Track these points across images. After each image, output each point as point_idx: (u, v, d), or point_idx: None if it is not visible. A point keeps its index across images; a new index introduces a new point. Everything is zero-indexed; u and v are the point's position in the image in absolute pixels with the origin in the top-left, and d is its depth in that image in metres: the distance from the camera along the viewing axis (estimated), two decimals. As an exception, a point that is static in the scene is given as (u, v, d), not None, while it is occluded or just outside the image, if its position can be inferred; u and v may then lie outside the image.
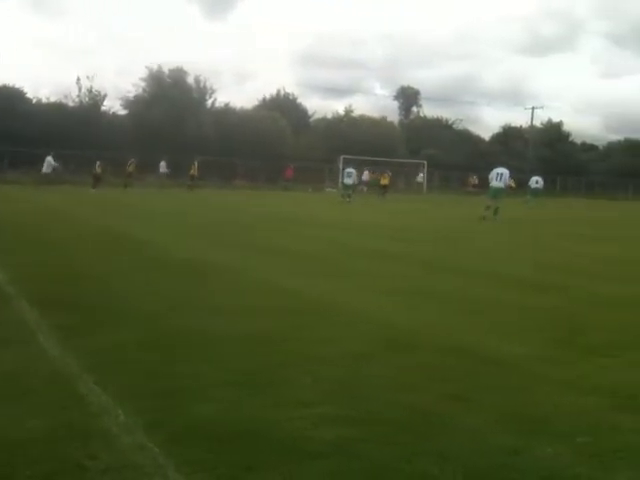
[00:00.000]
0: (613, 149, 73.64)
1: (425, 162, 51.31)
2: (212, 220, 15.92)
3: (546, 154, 60.80)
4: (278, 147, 49.32)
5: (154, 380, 3.51)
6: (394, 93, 76.24)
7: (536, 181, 34.81)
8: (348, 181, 30.08)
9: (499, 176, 19.63)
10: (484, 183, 27.81)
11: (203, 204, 23.33)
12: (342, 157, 45.45)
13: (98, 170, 32.44)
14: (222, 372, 3.67)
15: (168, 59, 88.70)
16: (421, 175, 49.41)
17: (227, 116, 51.47)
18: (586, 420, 3.11)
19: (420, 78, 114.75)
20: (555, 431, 2.96)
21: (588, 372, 3.91)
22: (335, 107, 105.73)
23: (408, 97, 74.48)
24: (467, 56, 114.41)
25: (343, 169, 39.55)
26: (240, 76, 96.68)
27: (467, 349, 4.32)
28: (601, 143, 77.74)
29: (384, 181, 37.08)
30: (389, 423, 2.99)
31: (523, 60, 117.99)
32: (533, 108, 62.85)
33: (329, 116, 62.22)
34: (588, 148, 74.20)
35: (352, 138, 51.83)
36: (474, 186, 48.47)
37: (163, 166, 38.49)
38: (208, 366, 3.78)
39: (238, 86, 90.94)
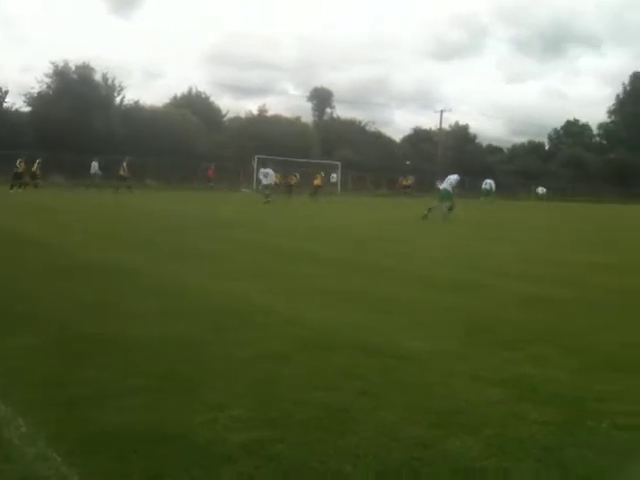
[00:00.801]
0: (517, 151, 77.07)
1: (339, 163, 51.90)
2: (127, 221, 15.48)
3: (454, 156, 62.80)
4: (190, 146, 48.59)
5: (60, 388, 3.36)
6: (307, 94, 76.78)
7: (485, 183, 36.95)
8: (265, 181, 30.04)
9: (447, 180, 21.08)
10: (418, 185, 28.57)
11: (114, 205, 22.64)
12: (257, 157, 45.29)
13: (20, 168, 30.75)
14: (135, 377, 3.55)
15: (74, 56, 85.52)
16: (334, 175, 49.96)
17: (136, 113, 50.23)
18: (493, 412, 3.21)
19: (333, 80, 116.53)
20: (464, 424, 3.03)
21: (495, 366, 4.03)
22: (248, 107, 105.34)
23: (322, 98, 75.16)
24: (379, 60, 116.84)
25: (259, 169, 39.49)
26: (150, 74, 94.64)
27: (380, 347, 4.37)
28: (506, 145, 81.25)
29: (317, 182, 37.28)
30: (302, 423, 2.98)
31: (432, 64, 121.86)
32: (442, 111, 64.81)
33: (242, 115, 61.90)
34: (494, 150, 77.29)
35: (266, 138, 51.79)
36: (405, 187, 49.44)
37: (95, 166, 36.88)
38: (120, 372, 3.65)
39: (148, 84, 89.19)
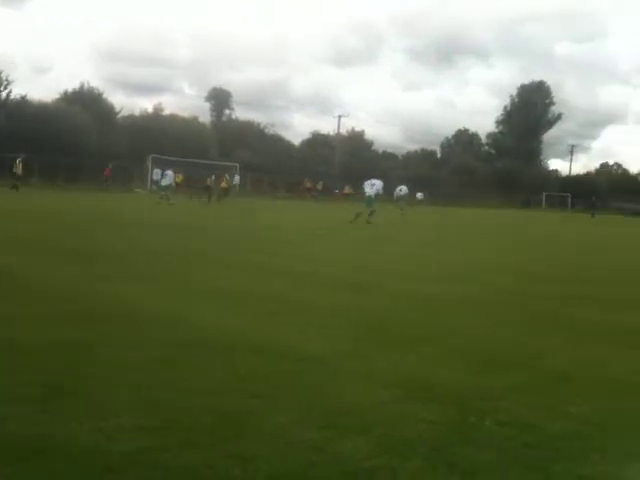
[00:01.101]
0: (411, 158, 79.47)
1: (237, 164, 51.51)
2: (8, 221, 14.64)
3: (351, 161, 63.91)
4: (80, 143, 46.63)
5: None
6: (204, 94, 75.81)
7: (400, 189, 38.03)
8: (165, 182, 29.45)
9: (372, 186, 22.30)
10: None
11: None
12: (151, 156, 44.17)
13: None
14: (16, 387, 3.33)
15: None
16: (237, 177, 49.40)
17: (23, 109, 47.70)
18: (384, 412, 3.24)
19: (231, 80, 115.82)
20: (356, 425, 3.04)
21: (387, 366, 4.09)
22: (142, 105, 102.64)
23: (220, 99, 74.41)
24: (277, 62, 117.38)
25: (153, 169, 38.53)
26: (38, 68, 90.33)
27: (273, 349, 4.34)
28: (400, 152, 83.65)
29: (223, 184, 36.77)
30: (190, 429, 2.89)
31: (330, 70, 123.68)
32: (340, 117, 65.90)
33: (137, 113, 60.17)
34: (389, 157, 79.30)
35: (162, 137, 50.59)
36: (310, 190, 49.74)
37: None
38: (0, 380, 3.42)
39: (36, 78, 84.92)
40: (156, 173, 40.93)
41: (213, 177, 37.09)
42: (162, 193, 28.41)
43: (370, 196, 22.02)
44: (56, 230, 12.86)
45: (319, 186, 50.55)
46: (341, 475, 2.54)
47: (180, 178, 34.70)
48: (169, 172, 30.20)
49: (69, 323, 4.82)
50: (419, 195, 53.76)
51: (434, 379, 3.86)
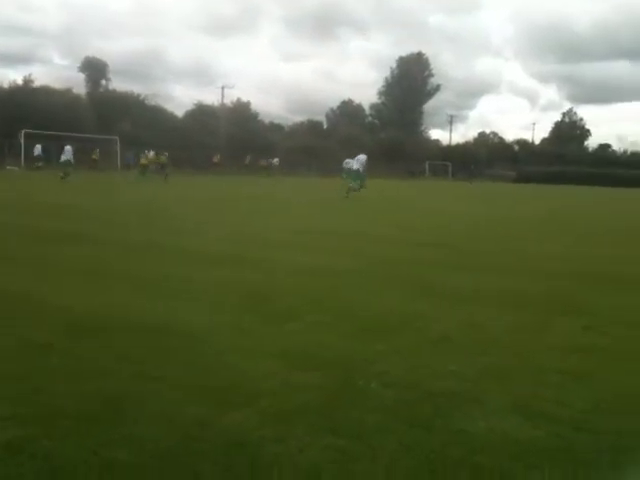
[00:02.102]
0: (297, 129, 79.56)
1: (117, 137, 49.47)
2: None
3: (237, 132, 63.10)
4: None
5: None
6: (77, 64, 71.97)
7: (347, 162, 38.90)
8: (64, 157, 28.21)
9: (357, 161, 23.52)
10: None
11: None
12: (24, 131, 41.58)
13: None
14: None
15: None
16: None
17: None
18: (269, 383, 3.27)
19: (104, 50, 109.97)
20: (242, 397, 3.06)
21: (271, 337, 4.13)
22: (10, 76, 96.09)
23: (95, 69, 70.83)
24: (152, 32, 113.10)
25: (35, 145, 36.42)
26: None
27: (154, 327, 4.25)
28: (287, 123, 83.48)
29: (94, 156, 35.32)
30: (72, 416, 2.79)
31: (207, 39, 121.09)
32: (223, 87, 64.85)
33: (5, 86, 56.30)
34: (275, 128, 78.99)
35: (34, 111, 47.58)
36: (216, 164, 48.89)
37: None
38: None
39: None
40: (37, 149, 38.68)
41: (98, 150, 35.52)
42: (66, 170, 27.00)
43: (358, 170, 23.17)
44: None
45: (217, 159, 50.15)
46: (228, 447, 2.54)
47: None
48: (68, 147, 28.75)
49: None
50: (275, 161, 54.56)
51: (317, 347, 3.94)
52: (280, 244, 9.11)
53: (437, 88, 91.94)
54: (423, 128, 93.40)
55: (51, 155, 38.20)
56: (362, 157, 23.77)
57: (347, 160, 25.64)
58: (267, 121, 78.00)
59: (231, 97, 72.26)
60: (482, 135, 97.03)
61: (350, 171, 24.35)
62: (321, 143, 72.06)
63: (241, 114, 69.43)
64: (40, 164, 37.80)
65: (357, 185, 22.60)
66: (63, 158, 28.40)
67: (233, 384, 3.24)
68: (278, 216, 14.55)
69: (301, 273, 6.67)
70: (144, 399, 2.99)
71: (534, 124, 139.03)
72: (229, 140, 59.18)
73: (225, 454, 2.49)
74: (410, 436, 2.72)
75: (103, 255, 7.47)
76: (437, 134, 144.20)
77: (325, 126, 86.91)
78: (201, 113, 67.59)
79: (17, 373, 3.30)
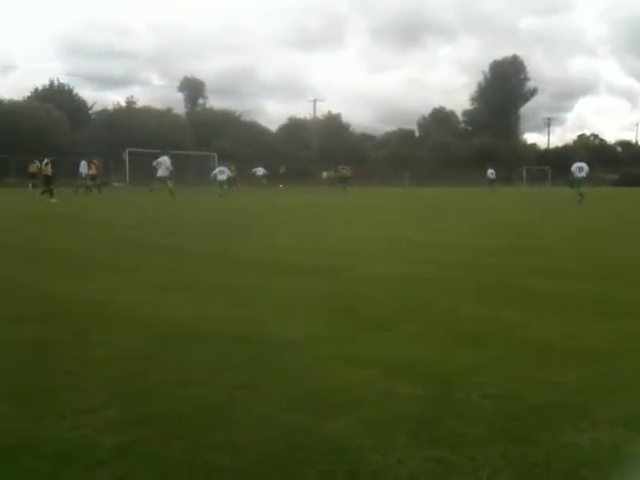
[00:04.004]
0: (389, 139, 79.44)
1: (215, 154, 51.17)
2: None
3: (329, 144, 63.77)
4: (55, 141, 46.06)
5: None
6: (175, 84, 75.07)
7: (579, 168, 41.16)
8: (222, 177, 30.60)
9: (580, 169, 24.55)
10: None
11: None
12: (127, 150, 43.78)
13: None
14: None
15: None
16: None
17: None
18: (368, 392, 3.26)
19: (198, 69, 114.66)
20: (340, 406, 3.06)
21: (366, 347, 4.11)
22: (111, 98, 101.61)
23: (193, 89, 73.67)
24: (240, 48, 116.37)
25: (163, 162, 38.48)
26: (3, 67, 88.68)
27: (250, 337, 4.32)
28: (377, 133, 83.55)
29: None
30: (176, 420, 2.89)
31: (296, 54, 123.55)
32: (315, 100, 65.77)
33: (110, 108, 59.51)
34: (367, 138, 79.23)
35: (136, 130, 50.02)
36: (328, 179, 50.03)
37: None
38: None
39: (2, 78, 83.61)
40: (158, 163, 40.95)
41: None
42: (223, 187, 28.96)
43: (582, 178, 24.14)
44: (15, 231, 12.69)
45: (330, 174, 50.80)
46: (328, 455, 2.56)
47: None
48: (224, 169, 31.06)
49: (34, 322, 4.72)
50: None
51: (414, 357, 3.89)
52: (364, 253, 9.11)
53: (534, 91, 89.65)
54: (519, 133, 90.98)
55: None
56: (584, 165, 24.46)
57: (575, 165, 25.37)
58: (358, 132, 78.34)
59: (322, 110, 72.97)
60: (582, 137, 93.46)
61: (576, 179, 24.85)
62: (413, 151, 71.52)
63: (333, 126, 70.11)
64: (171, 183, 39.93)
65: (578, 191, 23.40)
66: (220, 177, 30.58)
67: (331, 392, 3.25)
68: (361, 225, 14.56)
69: (389, 282, 6.64)
70: (245, 406, 3.06)
71: (638, 124, 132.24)
72: (322, 152, 59.82)
73: (326, 462, 2.51)
74: (512, 449, 2.64)
75: (195, 267, 7.72)
76: (533, 138, 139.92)
77: (417, 134, 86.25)
78: (294, 127, 68.83)
79: (123, 380, 3.45)
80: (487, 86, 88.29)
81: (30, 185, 34.68)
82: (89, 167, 32.67)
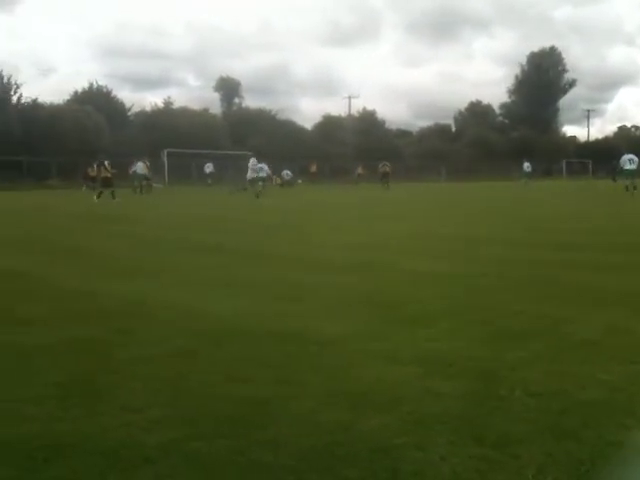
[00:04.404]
0: (424, 134, 78.78)
1: (251, 153, 51.39)
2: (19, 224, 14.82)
3: (365, 141, 63.53)
4: (95, 143, 46.91)
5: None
6: (211, 84, 75.75)
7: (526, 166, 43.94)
8: (261, 173, 30.17)
9: (631, 161, 24.70)
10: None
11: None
12: (166, 151, 44.32)
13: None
14: (34, 387, 3.37)
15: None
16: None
17: (35, 112, 48.00)
18: (409, 389, 3.25)
19: (232, 69, 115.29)
20: (381, 403, 3.06)
21: (406, 344, 4.10)
22: (148, 99, 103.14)
23: (229, 88, 74.19)
24: (274, 47, 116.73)
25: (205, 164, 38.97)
26: (41, 70, 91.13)
27: (292, 334, 4.35)
28: (413, 129, 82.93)
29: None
30: (220, 418, 2.92)
31: (329, 50, 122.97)
32: (350, 97, 65.56)
33: (148, 109, 60.33)
34: (402, 134, 78.72)
35: (174, 131, 50.63)
36: (359, 176, 49.82)
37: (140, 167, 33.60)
38: (18, 381, 3.47)
39: (41, 81, 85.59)
40: (208, 167, 41.97)
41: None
42: (259, 184, 28.72)
43: (634, 170, 24.16)
44: (57, 230, 12.94)
45: (360, 170, 50.45)
46: (369, 453, 2.55)
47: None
48: (263, 165, 30.83)
49: (80, 322, 4.82)
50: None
51: (456, 354, 3.86)
52: (397, 249, 9.08)
53: (572, 83, 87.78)
54: (558, 125, 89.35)
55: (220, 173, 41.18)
56: (634, 157, 24.41)
57: (625, 157, 25.30)
58: (394, 128, 77.93)
59: (357, 106, 72.75)
60: (623, 129, 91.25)
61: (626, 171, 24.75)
62: (450, 146, 70.84)
63: (368, 123, 69.85)
64: (211, 181, 40.60)
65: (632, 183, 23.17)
66: (261, 174, 30.02)
67: (373, 389, 3.25)
68: (403, 221, 14.48)
69: (424, 278, 6.60)
70: (286, 404, 3.08)
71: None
72: (357, 149, 59.68)
73: (368, 459, 2.50)
74: (557, 447, 2.60)
75: (230, 264, 7.78)
76: (572, 130, 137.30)
77: (454, 129, 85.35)
78: (329, 124, 68.76)
79: (166, 378, 3.50)
80: (524, 78, 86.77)
81: (84, 187, 35.21)
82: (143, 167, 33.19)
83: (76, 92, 57.55)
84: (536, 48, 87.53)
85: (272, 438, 2.69)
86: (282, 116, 67.95)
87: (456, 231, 11.89)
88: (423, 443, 2.63)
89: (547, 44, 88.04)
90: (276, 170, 42.77)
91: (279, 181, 41.96)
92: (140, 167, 32.98)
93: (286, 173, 44.97)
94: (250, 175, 28.53)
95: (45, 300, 5.71)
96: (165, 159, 44.48)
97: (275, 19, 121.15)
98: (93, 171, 31.32)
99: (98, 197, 22.97)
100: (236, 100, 74.69)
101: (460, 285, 6.23)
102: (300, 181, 46.73)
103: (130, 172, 33.52)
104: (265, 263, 7.95)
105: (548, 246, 9.25)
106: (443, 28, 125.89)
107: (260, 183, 28.83)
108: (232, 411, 3.00)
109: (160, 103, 62.54)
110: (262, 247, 9.73)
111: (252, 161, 29.13)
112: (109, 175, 24.09)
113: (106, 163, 24.74)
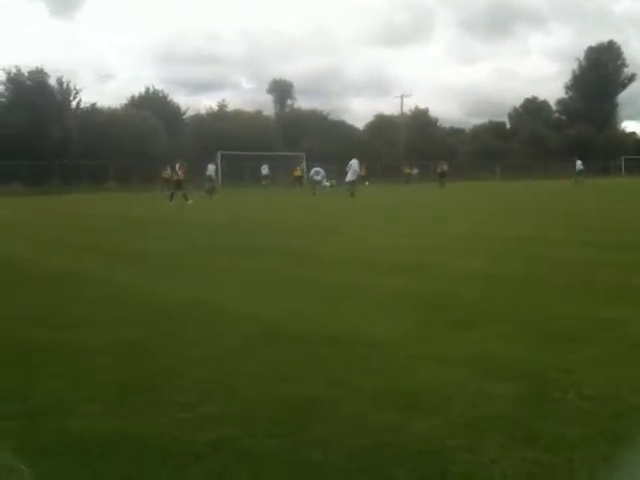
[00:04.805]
0: (478, 132, 77.63)
1: (304, 154, 51.68)
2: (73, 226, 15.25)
3: (417, 140, 63.06)
4: (151, 146, 47.99)
5: (19, 400, 3.28)
6: (264, 86, 76.52)
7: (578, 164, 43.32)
8: (317, 177, 33.19)
9: None
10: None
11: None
12: (220, 153, 44.95)
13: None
14: (91, 386, 3.48)
15: (19, 61, 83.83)
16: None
17: (94, 117, 49.41)
18: (459, 391, 3.23)
19: (285, 71, 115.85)
20: (431, 405, 3.05)
21: (457, 345, 4.06)
22: (203, 103, 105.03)
23: (282, 90, 74.79)
24: (326, 49, 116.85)
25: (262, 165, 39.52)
26: (99, 75, 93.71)
27: (340, 336, 4.36)
28: (466, 127, 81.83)
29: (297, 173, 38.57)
30: (270, 417, 2.96)
31: (381, 50, 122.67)
32: (402, 96, 65.15)
33: (202, 112, 61.32)
34: (455, 132, 77.78)
35: (228, 134, 51.33)
36: (409, 175, 49.77)
37: (211, 169, 34.06)
38: (76, 381, 3.58)
39: (99, 86, 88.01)
40: (264, 168, 42.44)
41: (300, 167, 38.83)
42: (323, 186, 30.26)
43: None
44: (113, 233, 13.23)
45: (413, 170, 50.31)
46: (419, 455, 2.55)
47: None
48: (319, 169, 32.59)
49: (131, 324, 4.90)
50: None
51: (507, 356, 3.81)
52: (448, 250, 8.97)
53: (632, 78, 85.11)
54: (617, 121, 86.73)
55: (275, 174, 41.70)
56: None
57: None
58: (447, 126, 77.05)
59: (409, 105, 72.18)
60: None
61: None
62: (504, 145, 69.59)
63: (420, 121, 69.27)
64: (266, 182, 41.04)
65: None
66: (317, 177, 33.14)
67: (423, 391, 3.24)
68: (444, 222, 14.32)
69: (474, 280, 6.51)
70: (336, 404, 3.10)
71: None
72: (410, 148, 59.27)
73: (417, 461, 2.50)
74: (612, 451, 2.55)
75: (281, 266, 7.83)
76: (632, 126, 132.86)
77: (508, 126, 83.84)
78: (381, 124, 68.50)
79: (215, 377, 3.55)
80: (582, 74, 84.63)
81: (158, 190, 35.76)
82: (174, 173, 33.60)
83: (133, 97, 58.99)
84: (593, 43, 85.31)
85: (322, 438, 2.71)
86: (334, 117, 68.07)
87: (507, 231, 11.69)
88: (473, 445, 2.61)
89: (604, 39, 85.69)
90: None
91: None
92: (210, 170, 33.47)
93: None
94: (350, 177, 28.09)
95: (94, 303, 5.81)
96: (218, 161, 45.08)
97: (327, 21, 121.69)
98: (166, 174, 31.67)
99: (170, 199, 23.36)
100: (289, 102, 75.25)
101: (505, 286, 6.13)
102: (367, 183, 46.07)
103: (207, 174, 33.75)
104: (310, 264, 7.99)
105: (595, 246, 8.98)
106: (497, 24, 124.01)
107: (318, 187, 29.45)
108: (282, 411, 3.03)
109: (214, 106, 63.50)
110: (310, 248, 9.78)
111: (354, 161, 28.65)
112: (181, 178, 24.51)
113: (177, 166, 25.19)
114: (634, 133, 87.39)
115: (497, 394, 3.17)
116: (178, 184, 24.40)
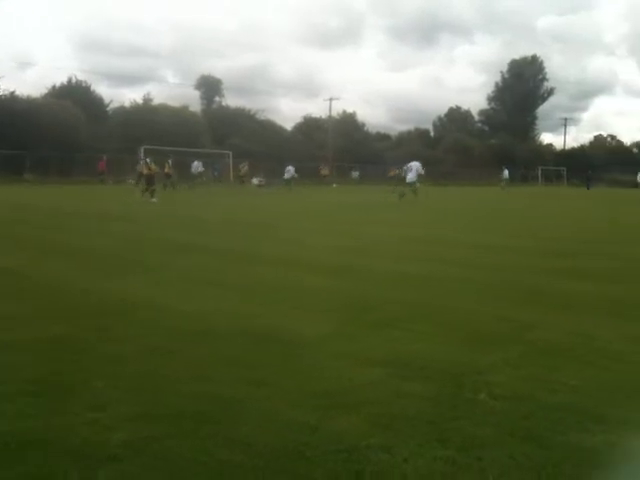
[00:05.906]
0: (404, 138, 79.09)
1: (230, 152, 51.24)
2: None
3: (344, 143, 63.60)
4: (72, 137, 46.36)
5: None
6: (190, 82, 75.40)
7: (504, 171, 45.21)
8: (287, 176, 33.86)
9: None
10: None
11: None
12: (143, 148, 43.93)
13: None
14: (5, 383, 3.36)
15: None
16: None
17: (12, 105, 47.32)
18: (378, 391, 3.29)
19: (213, 68, 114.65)
20: (350, 404, 3.10)
21: (379, 345, 4.14)
22: (127, 96, 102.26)
23: (210, 86, 73.83)
24: (257, 47, 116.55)
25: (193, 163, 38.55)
26: (19, 63, 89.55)
27: (265, 334, 4.38)
28: (392, 133, 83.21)
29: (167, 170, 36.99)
30: (189, 417, 2.93)
31: (312, 53, 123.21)
32: (331, 99, 65.56)
33: (127, 105, 59.76)
34: (382, 138, 78.94)
35: (153, 128, 50.22)
36: (325, 177, 49.88)
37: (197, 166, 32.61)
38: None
39: (20, 74, 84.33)
40: (196, 166, 41.03)
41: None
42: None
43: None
44: (45, 228, 12.79)
45: (395, 171, 50.75)
46: (336, 453, 2.58)
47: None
48: (290, 167, 33.08)
49: (58, 320, 4.77)
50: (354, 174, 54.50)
51: (424, 356, 3.91)
52: (381, 253, 9.11)
53: (551, 92, 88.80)
54: (536, 133, 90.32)
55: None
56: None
57: None
58: (374, 131, 78.12)
59: (337, 109, 72.79)
60: (598, 138, 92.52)
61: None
62: (429, 151, 71.18)
63: (348, 125, 69.93)
64: (201, 180, 39.82)
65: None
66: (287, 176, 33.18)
67: (341, 391, 3.28)
68: (379, 225, 14.54)
69: (403, 281, 6.65)
70: (256, 403, 3.10)
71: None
72: (337, 151, 59.77)
73: (333, 460, 2.53)
74: (522, 450, 2.65)
75: (212, 264, 7.77)
76: (548, 138, 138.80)
77: (432, 134, 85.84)
78: (309, 126, 68.75)
79: (135, 376, 3.50)
80: (505, 86, 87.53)
81: (133, 183, 34.51)
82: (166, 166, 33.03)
83: (54, 86, 56.86)
84: (517, 56, 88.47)
85: (243, 438, 2.70)
86: (262, 116, 67.73)
87: (434, 235, 11.97)
88: (389, 445, 2.66)
89: (528, 52, 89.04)
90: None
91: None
92: (195, 167, 33.01)
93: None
94: (410, 178, 26.34)
95: (22, 298, 5.64)
96: (142, 156, 44.05)
97: (259, 19, 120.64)
98: (143, 168, 30.74)
99: (152, 196, 22.52)
100: (217, 99, 74.35)
101: (431, 288, 6.30)
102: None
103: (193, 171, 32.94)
104: (239, 262, 7.95)
105: (518, 250, 9.34)
106: (425, 33, 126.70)
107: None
108: (203, 410, 3.01)
109: (139, 99, 62.02)
110: (240, 247, 9.70)
111: (415, 164, 28.03)
112: (152, 173, 23.88)
113: (148, 160, 24.79)
114: (551, 145, 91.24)
115: (413, 393, 3.25)
116: (150, 179, 23.59)
